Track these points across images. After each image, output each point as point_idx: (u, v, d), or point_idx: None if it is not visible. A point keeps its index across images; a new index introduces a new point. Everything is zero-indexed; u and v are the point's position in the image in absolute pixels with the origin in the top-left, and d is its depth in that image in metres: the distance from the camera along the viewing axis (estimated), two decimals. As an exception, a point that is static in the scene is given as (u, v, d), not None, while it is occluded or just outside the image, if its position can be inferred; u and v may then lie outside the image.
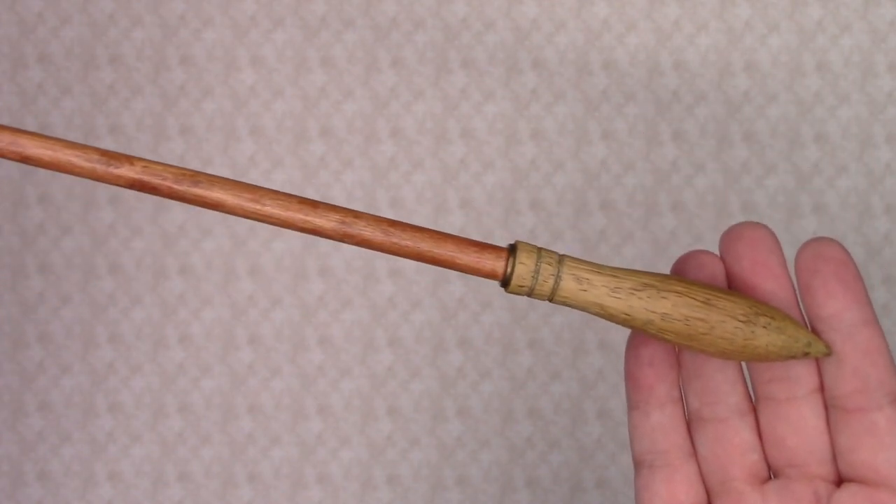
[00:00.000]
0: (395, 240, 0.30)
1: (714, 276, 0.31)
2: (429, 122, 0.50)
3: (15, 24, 0.49)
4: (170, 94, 0.50)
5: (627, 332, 0.51)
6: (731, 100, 0.50)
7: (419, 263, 0.50)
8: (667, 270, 0.52)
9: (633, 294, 0.30)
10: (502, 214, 0.51)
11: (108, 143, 0.50)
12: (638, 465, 0.32)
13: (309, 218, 0.30)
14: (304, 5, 0.49)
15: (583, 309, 0.29)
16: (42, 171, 0.45)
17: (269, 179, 0.49)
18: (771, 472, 0.31)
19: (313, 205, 0.30)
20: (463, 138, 0.50)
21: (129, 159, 0.30)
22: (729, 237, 0.30)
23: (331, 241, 0.51)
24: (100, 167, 0.30)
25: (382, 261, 0.50)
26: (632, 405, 0.33)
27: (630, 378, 0.33)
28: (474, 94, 0.49)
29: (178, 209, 0.49)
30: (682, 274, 0.31)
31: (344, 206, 0.34)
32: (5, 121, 0.49)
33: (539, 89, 0.50)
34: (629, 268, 0.32)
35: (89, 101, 0.50)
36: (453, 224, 0.49)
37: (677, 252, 0.50)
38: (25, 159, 0.30)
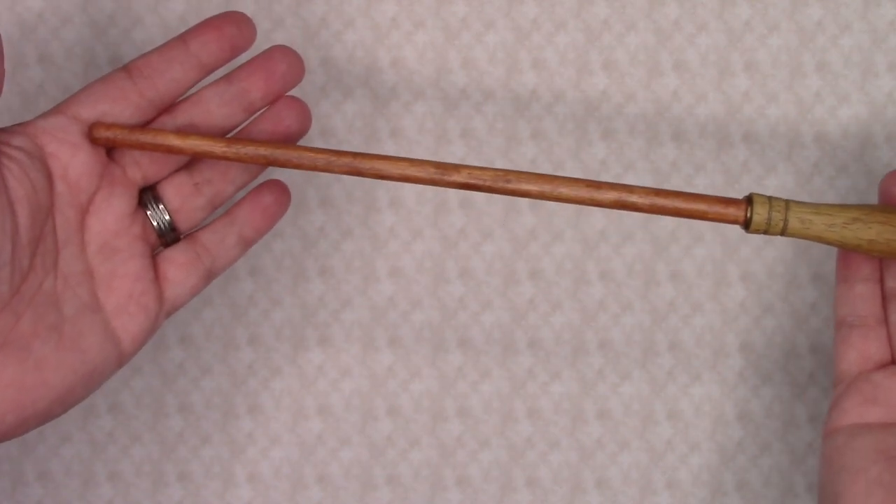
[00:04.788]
0: (659, 203, 0.38)
1: None
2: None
3: (15, 24, 0.49)
4: (170, 94, 0.50)
5: (625, 331, 0.51)
6: (730, 100, 0.50)
7: (419, 263, 0.50)
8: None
9: (845, 227, 0.38)
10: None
11: (109, 144, 0.50)
12: (839, 325, 0.42)
13: (594, 195, 0.38)
14: (303, 5, 0.50)
15: (805, 239, 0.39)
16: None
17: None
18: None
19: (597, 185, 0.38)
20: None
21: (457, 168, 0.39)
22: None
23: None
24: (437, 176, 0.39)
25: (382, 261, 0.50)
26: (840, 279, 0.42)
27: (842, 257, 0.42)
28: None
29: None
30: (889, 190, 0.41)
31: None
32: (5, 121, 0.49)
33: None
34: (820, 203, 0.41)
35: (89, 102, 0.50)
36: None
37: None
38: (382, 176, 0.39)
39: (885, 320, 0.42)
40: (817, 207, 0.39)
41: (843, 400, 0.41)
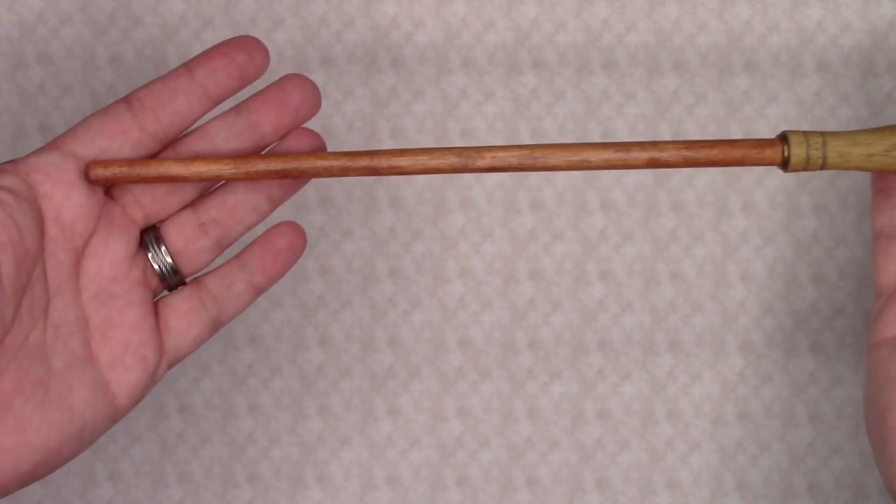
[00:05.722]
0: (693, 157, 0.37)
1: None
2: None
3: (15, 24, 0.49)
4: (170, 94, 0.50)
5: (625, 331, 0.51)
6: (730, 99, 0.50)
7: (419, 263, 0.50)
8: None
9: (886, 155, 0.37)
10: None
11: (109, 144, 0.50)
12: (877, 238, 0.40)
13: (624, 159, 0.37)
14: (303, 5, 0.50)
15: (843, 170, 0.38)
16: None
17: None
18: None
19: (626, 147, 0.37)
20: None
21: (480, 152, 0.37)
22: None
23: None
24: (460, 164, 0.37)
25: (382, 261, 0.50)
26: (876, 190, 0.40)
27: (877, 175, 0.40)
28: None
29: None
30: None
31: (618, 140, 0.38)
32: (5, 121, 0.49)
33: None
34: (856, 130, 0.40)
35: (89, 101, 0.50)
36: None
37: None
38: (403, 172, 0.37)
39: None
40: (853, 137, 0.37)
41: (885, 312, 0.40)
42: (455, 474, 0.51)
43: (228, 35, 0.49)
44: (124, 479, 0.50)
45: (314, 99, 0.38)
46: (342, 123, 0.50)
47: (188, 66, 0.37)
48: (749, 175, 0.50)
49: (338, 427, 0.51)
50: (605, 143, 0.37)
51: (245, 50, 0.37)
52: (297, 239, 0.39)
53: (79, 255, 0.37)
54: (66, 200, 0.36)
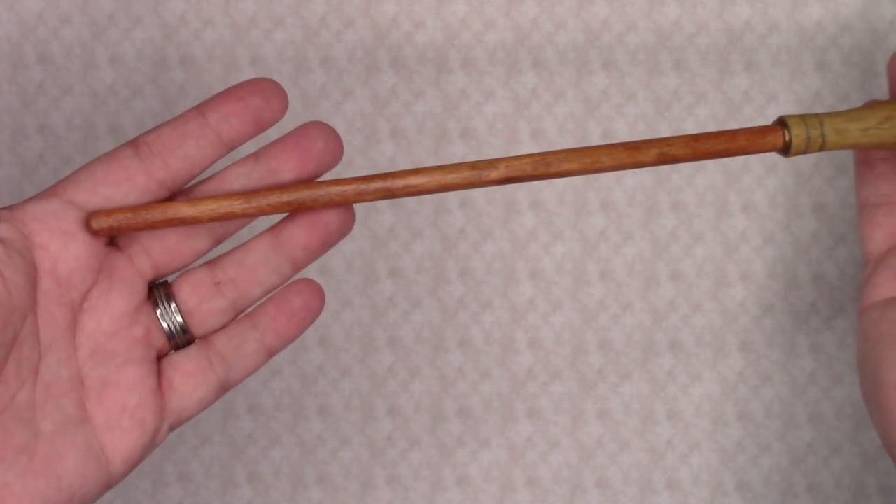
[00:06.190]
0: (700, 149, 0.37)
1: None
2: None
3: (15, 24, 0.49)
4: (170, 94, 0.50)
5: (625, 331, 0.51)
6: (730, 99, 0.50)
7: (419, 263, 0.50)
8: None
9: (880, 128, 0.38)
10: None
11: (109, 144, 0.50)
12: (862, 207, 0.41)
13: (635, 158, 0.37)
14: (303, 5, 0.50)
15: (842, 149, 0.38)
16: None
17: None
18: None
19: (636, 146, 0.37)
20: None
21: (494, 164, 0.36)
22: None
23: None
24: (475, 177, 0.36)
25: (382, 261, 0.50)
26: (860, 161, 0.41)
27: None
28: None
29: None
30: None
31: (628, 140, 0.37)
32: (5, 121, 0.49)
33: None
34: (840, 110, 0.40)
35: (89, 101, 0.50)
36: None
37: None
38: (418, 192, 0.36)
39: None
40: (846, 115, 0.38)
41: (874, 277, 0.40)
42: (455, 474, 0.51)
43: (228, 35, 0.49)
44: (124, 479, 0.50)
45: (337, 147, 0.36)
46: (342, 123, 0.50)
47: (201, 108, 0.35)
48: (749, 175, 0.50)
49: (338, 427, 0.51)
50: (615, 144, 0.37)
51: (261, 93, 0.35)
52: (315, 299, 0.37)
53: (76, 310, 0.34)
54: (64, 252, 0.34)
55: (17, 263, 0.32)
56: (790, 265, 0.50)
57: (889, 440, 0.37)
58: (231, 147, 0.35)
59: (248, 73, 0.50)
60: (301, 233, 0.36)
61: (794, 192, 0.50)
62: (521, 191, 0.50)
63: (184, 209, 0.34)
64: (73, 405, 0.33)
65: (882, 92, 0.50)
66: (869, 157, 0.41)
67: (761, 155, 0.50)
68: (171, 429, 0.36)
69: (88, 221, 0.34)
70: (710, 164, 0.50)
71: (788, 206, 0.50)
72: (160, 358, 0.36)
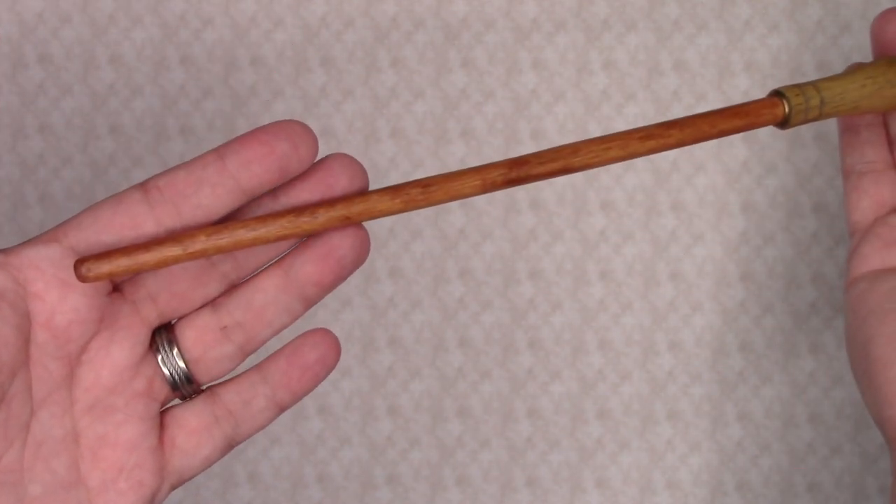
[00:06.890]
0: (700, 129, 0.34)
1: None
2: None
3: (15, 24, 0.49)
4: (170, 94, 0.50)
5: (625, 331, 0.51)
6: (730, 99, 0.50)
7: (419, 264, 0.50)
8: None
9: (876, 86, 0.37)
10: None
11: (109, 143, 0.50)
12: (847, 175, 0.40)
13: (659, 140, 0.34)
14: (303, 5, 0.50)
15: (842, 116, 0.37)
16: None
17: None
18: None
19: (660, 128, 0.34)
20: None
21: (513, 164, 0.33)
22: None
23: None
24: (514, 175, 0.33)
25: (382, 262, 0.50)
26: (844, 128, 0.40)
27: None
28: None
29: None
30: (883, 29, 0.38)
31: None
32: (5, 121, 0.49)
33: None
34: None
35: (89, 101, 0.50)
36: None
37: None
38: (452, 198, 0.32)
39: (895, 164, 0.40)
40: (835, 79, 0.37)
41: (861, 247, 0.39)
42: (455, 474, 0.51)
43: (228, 35, 0.49)
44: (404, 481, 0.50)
45: (362, 179, 0.32)
46: (342, 123, 0.50)
47: (220, 152, 0.31)
48: (749, 175, 0.50)
49: (338, 427, 0.51)
50: (641, 130, 0.34)
51: (288, 138, 0.31)
52: (330, 351, 0.33)
53: (73, 364, 0.31)
54: (61, 303, 0.30)
55: (7, 316, 0.30)
56: (790, 265, 0.50)
57: (880, 416, 0.36)
58: (251, 196, 0.32)
59: (248, 73, 0.50)
60: (311, 268, 0.33)
61: (794, 192, 0.50)
62: (521, 191, 0.50)
63: (198, 241, 0.31)
64: (64, 466, 0.31)
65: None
66: (854, 123, 0.40)
67: (761, 155, 0.50)
68: (172, 488, 0.33)
69: (77, 271, 0.30)
70: (710, 164, 0.50)
71: (788, 206, 0.50)
72: (163, 409, 0.33)
